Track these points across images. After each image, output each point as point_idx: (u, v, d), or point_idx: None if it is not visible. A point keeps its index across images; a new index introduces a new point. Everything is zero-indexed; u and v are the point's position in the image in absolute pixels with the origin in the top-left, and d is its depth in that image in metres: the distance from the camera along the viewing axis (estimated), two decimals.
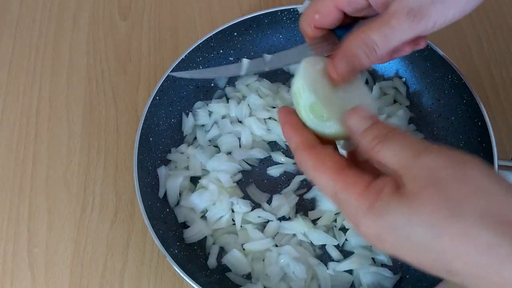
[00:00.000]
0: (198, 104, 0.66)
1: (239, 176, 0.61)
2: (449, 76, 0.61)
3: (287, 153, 0.63)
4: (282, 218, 0.58)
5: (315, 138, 0.36)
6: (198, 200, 0.58)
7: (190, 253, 0.56)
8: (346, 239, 0.57)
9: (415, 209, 0.28)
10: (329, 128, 0.36)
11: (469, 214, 0.27)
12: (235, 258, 0.56)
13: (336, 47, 0.39)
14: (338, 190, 0.32)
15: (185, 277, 0.49)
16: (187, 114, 0.65)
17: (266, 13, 0.65)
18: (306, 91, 0.37)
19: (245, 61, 0.42)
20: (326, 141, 0.37)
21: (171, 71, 0.60)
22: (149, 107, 0.59)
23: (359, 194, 0.31)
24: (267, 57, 0.43)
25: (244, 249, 0.56)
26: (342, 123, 0.35)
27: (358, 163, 0.36)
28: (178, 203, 0.60)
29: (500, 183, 0.28)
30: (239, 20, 0.65)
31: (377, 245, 0.31)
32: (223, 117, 0.65)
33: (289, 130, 0.37)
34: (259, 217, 0.58)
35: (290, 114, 0.38)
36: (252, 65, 0.43)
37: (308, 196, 0.60)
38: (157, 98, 0.60)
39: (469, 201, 0.27)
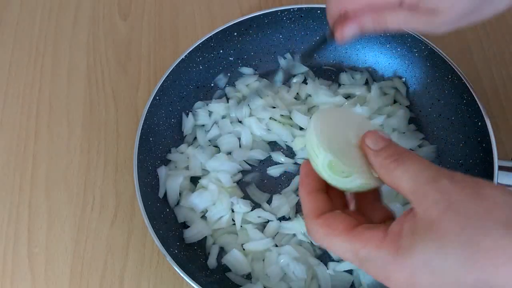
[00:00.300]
0: (198, 104, 0.66)
1: (239, 176, 0.61)
2: (449, 76, 0.61)
3: (287, 153, 0.63)
4: (282, 218, 0.58)
5: (324, 205, 0.36)
6: (198, 200, 0.58)
7: (190, 253, 0.56)
8: None
9: (441, 236, 0.28)
10: (351, 182, 0.36)
11: (493, 228, 0.27)
12: (235, 258, 0.56)
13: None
14: (358, 249, 0.32)
15: (185, 277, 0.49)
16: (187, 114, 0.65)
17: (266, 13, 0.65)
18: (321, 151, 0.36)
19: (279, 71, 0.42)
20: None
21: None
22: (149, 107, 0.59)
23: (379, 245, 0.31)
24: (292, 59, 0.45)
25: (244, 249, 0.56)
26: (363, 175, 0.35)
27: (365, 208, 0.37)
28: (178, 203, 0.60)
29: None
30: (239, 20, 0.65)
31: None
32: (223, 117, 0.65)
33: (302, 193, 0.37)
34: (259, 217, 0.58)
35: (308, 176, 0.37)
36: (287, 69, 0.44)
37: None
38: (157, 98, 0.60)
39: (489, 216, 0.28)
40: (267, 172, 0.62)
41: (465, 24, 0.40)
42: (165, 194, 0.59)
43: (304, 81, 0.68)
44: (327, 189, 0.37)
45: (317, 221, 0.35)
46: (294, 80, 0.68)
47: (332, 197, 0.37)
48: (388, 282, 0.30)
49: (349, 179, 0.35)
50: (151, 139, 0.60)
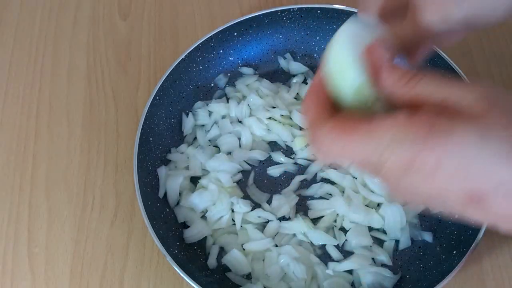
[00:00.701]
0: (198, 104, 0.66)
1: (239, 176, 0.61)
2: (449, 76, 0.61)
3: (287, 153, 0.63)
4: (282, 218, 0.58)
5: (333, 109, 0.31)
6: (198, 200, 0.58)
7: (190, 253, 0.56)
8: (346, 239, 0.57)
9: (485, 126, 0.25)
10: (369, 111, 0.31)
11: None
12: (235, 258, 0.56)
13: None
14: (380, 136, 0.27)
15: (185, 277, 0.49)
16: (187, 114, 0.65)
17: (266, 13, 0.65)
18: (353, 68, 0.30)
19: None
20: None
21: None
22: (149, 107, 0.59)
23: (407, 124, 0.26)
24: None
25: (244, 249, 0.56)
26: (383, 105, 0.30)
27: None
28: (178, 203, 0.60)
29: None
30: (239, 20, 0.65)
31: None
32: (223, 117, 0.65)
33: (309, 99, 0.33)
34: (259, 217, 0.58)
35: (318, 89, 0.33)
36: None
37: (308, 193, 0.60)
38: (157, 98, 0.60)
39: None
40: (267, 172, 0.62)
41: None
42: (165, 194, 0.59)
43: (304, 81, 0.68)
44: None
45: (327, 123, 0.30)
46: (294, 80, 0.68)
47: None
48: (412, 166, 0.26)
49: (370, 108, 0.31)
50: (151, 139, 0.60)
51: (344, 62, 0.31)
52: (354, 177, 0.59)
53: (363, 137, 0.28)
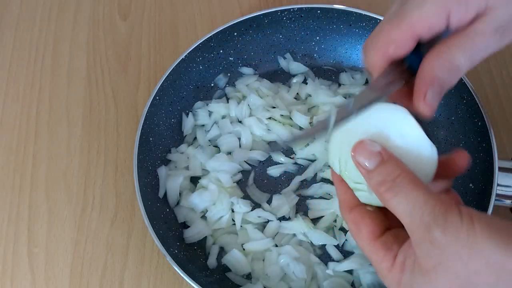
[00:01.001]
0: (198, 104, 0.66)
1: (239, 176, 0.61)
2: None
3: (287, 153, 0.63)
4: (282, 218, 0.58)
5: (354, 198, 0.36)
6: (198, 200, 0.58)
7: (190, 253, 0.56)
8: (346, 239, 0.57)
9: (434, 286, 0.30)
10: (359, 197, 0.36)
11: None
12: (235, 258, 0.56)
13: (405, 76, 0.36)
14: (372, 260, 0.34)
15: (185, 277, 0.49)
16: (187, 114, 0.65)
17: (266, 13, 0.65)
18: (352, 168, 0.34)
19: (331, 114, 0.36)
20: None
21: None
22: (149, 107, 0.59)
23: (389, 270, 0.33)
24: (349, 103, 0.36)
25: (244, 249, 0.56)
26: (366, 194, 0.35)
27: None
28: (178, 203, 0.60)
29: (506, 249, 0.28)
30: (239, 20, 0.65)
31: None
32: (223, 117, 0.65)
33: (337, 183, 0.37)
34: (259, 217, 0.58)
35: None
36: (339, 116, 0.35)
37: (308, 193, 0.60)
38: (157, 98, 0.60)
39: (478, 278, 0.28)
40: (267, 172, 0.62)
41: None
42: (165, 194, 0.59)
43: (304, 81, 0.68)
44: None
45: (348, 215, 0.36)
46: (294, 80, 0.68)
47: None
48: None
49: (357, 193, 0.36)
50: (151, 139, 0.60)
51: (341, 162, 0.35)
52: None
53: (364, 248, 0.35)
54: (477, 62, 0.34)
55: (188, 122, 0.64)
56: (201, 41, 0.63)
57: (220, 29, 0.64)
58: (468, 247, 0.28)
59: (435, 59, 0.33)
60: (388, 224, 0.35)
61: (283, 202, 0.59)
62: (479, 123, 0.56)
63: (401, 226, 0.33)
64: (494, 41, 0.33)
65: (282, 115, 0.63)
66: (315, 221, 0.58)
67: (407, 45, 0.35)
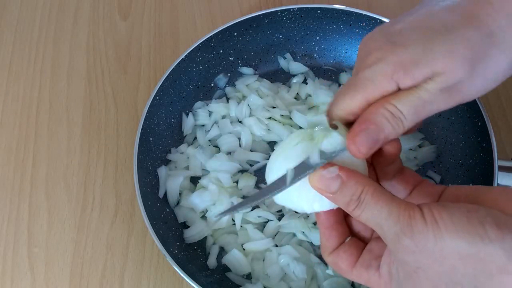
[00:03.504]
0: (198, 104, 0.66)
1: (239, 176, 0.61)
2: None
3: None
4: (281, 216, 0.58)
5: (333, 242, 0.39)
6: (198, 200, 0.58)
7: (190, 253, 0.56)
8: None
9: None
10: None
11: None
12: (235, 258, 0.56)
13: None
14: (362, 283, 0.37)
15: (185, 277, 0.49)
16: (187, 114, 0.65)
17: (266, 13, 0.65)
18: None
19: (288, 171, 0.36)
20: None
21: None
22: (149, 107, 0.59)
23: (378, 284, 0.36)
24: (312, 158, 0.36)
25: (244, 249, 0.56)
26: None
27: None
28: (178, 203, 0.60)
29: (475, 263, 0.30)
30: (239, 20, 0.65)
31: None
32: (223, 117, 0.65)
33: (322, 231, 0.39)
34: (259, 217, 0.58)
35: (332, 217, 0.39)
36: (298, 172, 0.35)
37: None
38: (157, 98, 0.60)
39: (457, 271, 0.30)
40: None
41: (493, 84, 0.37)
42: (165, 194, 0.59)
43: (304, 81, 0.68)
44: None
45: (328, 258, 0.39)
46: (294, 80, 0.68)
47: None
48: None
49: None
50: (151, 139, 0.60)
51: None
52: None
53: (353, 279, 0.38)
54: (424, 117, 0.36)
55: (188, 122, 0.64)
56: (201, 41, 0.63)
57: (220, 29, 0.64)
58: (439, 247, 0.30)
59: (379, 107, 0.35)
60: (363, 244, 0.39)
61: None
62: (479, 123, 0.56)
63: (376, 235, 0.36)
64: (442, 99, 0.35)
65: (282, 115, 0.63)
66: (315, 221, 0.58)
67: (362, 110, 0.36)
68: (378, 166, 0.39)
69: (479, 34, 0.34)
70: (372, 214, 0.32)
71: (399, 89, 0.35)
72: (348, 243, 0.38)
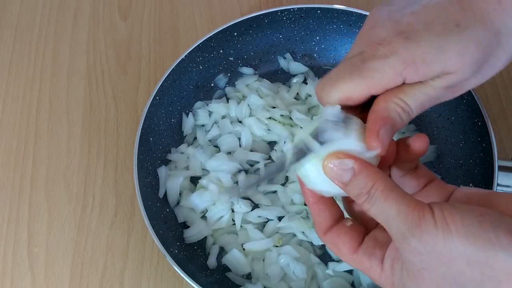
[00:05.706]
0: (198, 104, 0.66)
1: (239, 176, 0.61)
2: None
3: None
4: (281, 217, 0.58)
5: (328, 218, 0.37)
6: (198, 200, 0.58)
7: (190, 253, 0.56)
8: None
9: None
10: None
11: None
12: (235, 258, 0.56)
13: (355, 112, 0.37)
14: (361, 270, 0.36)
15: (185, 277, 0.49)
16: (187, 114, 0.65)
17: (266, 13, 0.65)
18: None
19: (287, 147, 0.36)
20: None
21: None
22: (149, 107, 0.59)
23: (379, 275, 0.35)
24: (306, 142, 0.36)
25: (244, 249, 0.56)
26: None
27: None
28: (178, 203, 0.60)
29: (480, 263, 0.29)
30: (239, 20, 0.65)
31: None
32: (223, 117, 0.65)
33: (308, 203, 0.38)
34: (259, 217, 0.58)
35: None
36: (296, 153, 0.36)
37: None
38: (157, 98, 0.60)
39: (464, 276, 0.29)
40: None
41: (481, 80, 0.37)
42: (165, 194, 0.59)
43: (304, 81, 0.68)
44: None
45: (324, 238, 0.37)
46: (294, 80, 0.68)
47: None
48: None
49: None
50: (151, 139, 0.60)
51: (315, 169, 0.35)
52: None
53: (351, 263, 0.37)
54: (427, 108, 0.37)
55: (188, 122, 0.64)
56: (201, 41, 0.63)
57: (220, 29, 0.64)
58: (447, 250, 0.29)
59: (389, 101, 0.35)
60: (365, 230, 0.37)
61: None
62: (479, 123, 0.56)
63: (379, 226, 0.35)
64: (444, 94, 0.36)
65: (282, 115, 0.63)
66: None
67: (362, 100, 0.37)
68: (399, 161, 0.39)
69: (489, 34, 0.35)
70: (381, 211, 0.32)
71: (403, 83, 0.36)
72: (349, 227, 0.37)
